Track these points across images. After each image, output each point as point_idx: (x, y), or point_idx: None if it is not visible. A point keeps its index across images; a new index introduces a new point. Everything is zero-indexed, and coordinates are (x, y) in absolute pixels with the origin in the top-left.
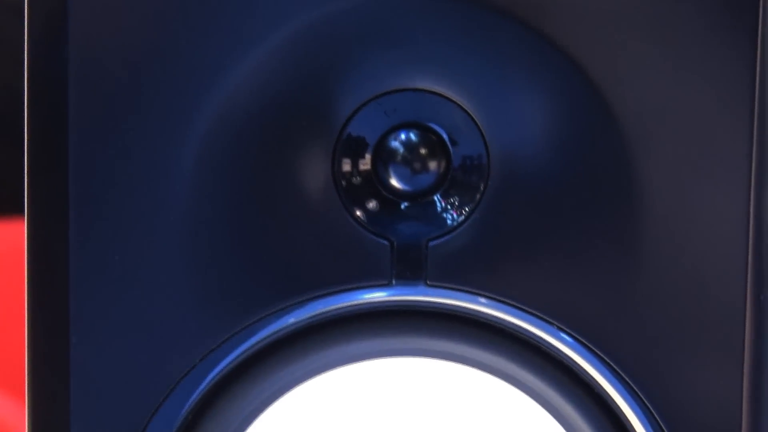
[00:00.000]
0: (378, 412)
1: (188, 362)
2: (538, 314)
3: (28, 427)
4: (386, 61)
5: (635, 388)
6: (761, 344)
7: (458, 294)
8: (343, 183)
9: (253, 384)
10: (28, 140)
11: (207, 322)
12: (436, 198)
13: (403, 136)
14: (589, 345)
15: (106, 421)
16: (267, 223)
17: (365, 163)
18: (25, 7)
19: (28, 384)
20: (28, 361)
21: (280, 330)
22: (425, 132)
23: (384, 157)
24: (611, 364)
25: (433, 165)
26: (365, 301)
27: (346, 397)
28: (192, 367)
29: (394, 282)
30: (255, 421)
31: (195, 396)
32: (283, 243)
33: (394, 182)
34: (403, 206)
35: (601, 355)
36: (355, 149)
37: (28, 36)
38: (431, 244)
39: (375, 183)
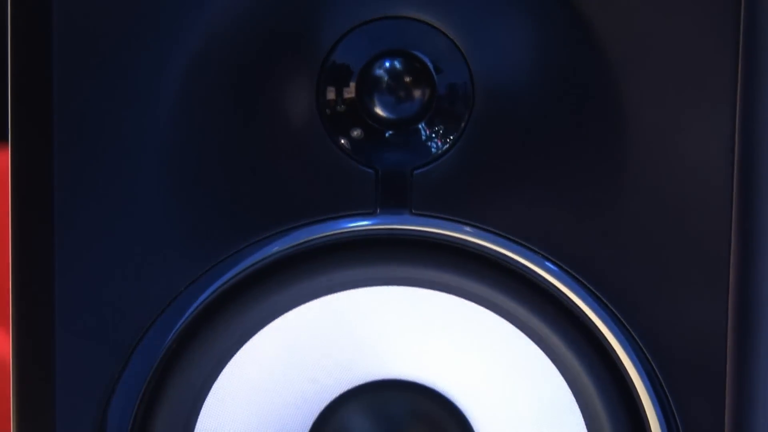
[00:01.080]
0: (363, 340)
1: (173, 291)
2: (523, 243)
3: (13, 357)
4: None
5: (620, 316)
6: (746, 272)
7: (443, 222)
8: (328, 111)
9: (238, 312)
10: (11, 67)
11: (191, 250)
12: (420, 126)
13: (387, 64)
14: (574, 274)
15: (90, 351)
16: (251, 152)
17: (349, 92)
18: None
19: (12, 314)
20: (13, 290)
21: (265, 258)
22: (410, 60)
23: (368, 85)
24: (596, 292)
25: (417, 93)
26: (350, 230)
27: (331, 326)
28: (176, 295)
29: (378, 210)
30: (240, 349)
31: (179, 324)
32: (267, 172)
33: (379, 110)
34: (387, 135)
35: (586, 284)
36: (340, 77)
37: None
38: (416, 172)
39: (359, 111)
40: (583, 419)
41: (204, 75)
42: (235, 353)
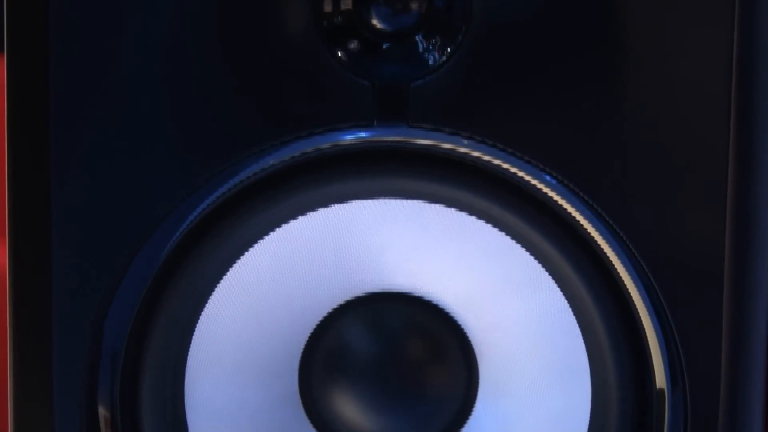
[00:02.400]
0: (360, 253)
1: (170, 204)
2: (521, 155)
3: (9, 269)
4: None
5: (617, 228)
6: (744, 182)
7: (440, 135)
8: (324, 24)
9: (236, 225)
10: None
11: (189, 163)
12: (417, 38)
13: None
14: (571, 186)
15: (87, 265)
16: (249, 64)
17: (346, 3)
18: None
19: (9, 228)
20: (9, 204)
21: (262, 171)
22: None
23: None
24: (593, 205)
25: (414, 4)
26: (347, 142)
27: (328, 239)
28: (173, 208)
29: (376, 123)
30: (237, 262)
31: (176, 237)
32: (264, 85)
33: (376, 22)
34: (384, 47)
35: (584, 196)
36: None
37: None
38: (413, 84)
39: (356, 23)
40: (580, 331)
41: None
42: (232, 265)
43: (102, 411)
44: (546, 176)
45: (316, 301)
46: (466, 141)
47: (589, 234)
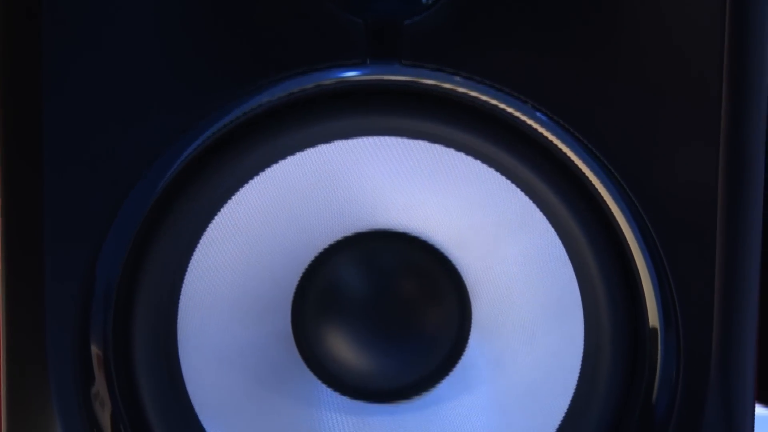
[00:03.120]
0: (353, 191)
1: (164, 141)
2: (514, 93)
3: (2, 207)
4: None
5: (610, 167)
6: (738, 122)
7: (433, 73)
8: None
9: (229, 162)
10: None
11: (182, 101)
12: None
13: None
14: (564, 124)
15: (81, 200)
16: (241, 3)
17: None
18: None
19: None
20: (1, 139)
21: (255, 109)
22: None
23: None
24: (587, 143)
25: None
26: (340, 80)
27: (322, 177)
28: (167, 145)
29: (368, 61)
30: (230, 199)
31: (170, 173)
32: (257, 23)
33: None
34: None
35: (577, 134)
36: None
37: None
38: (406, 22)
39: None
40: (573, 270)
41: None
42: (224, 204)
43: (95, 349)
44: (539, 114)
45: (309, 240)
46: (458, 79)
47: (583, 173)
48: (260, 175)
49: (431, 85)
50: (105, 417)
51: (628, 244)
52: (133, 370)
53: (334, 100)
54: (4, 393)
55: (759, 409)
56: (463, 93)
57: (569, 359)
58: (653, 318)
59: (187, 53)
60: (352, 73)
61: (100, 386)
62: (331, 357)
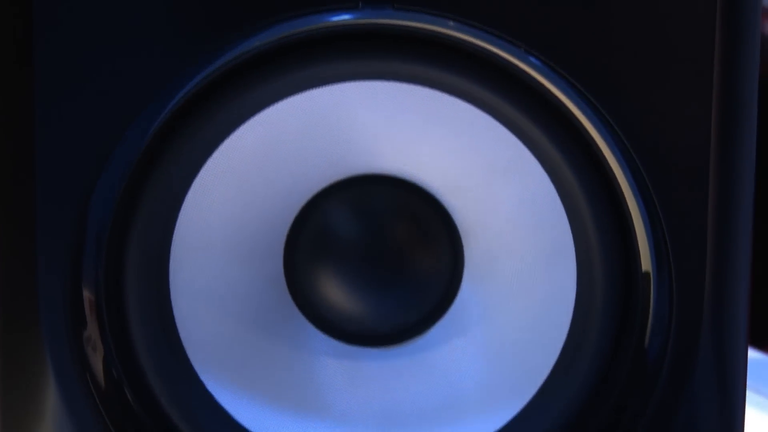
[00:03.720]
0: (346, 135)
1: (156, 85)
2: (507, 37)
3: None
4: None
5: (603, 111)
6: (730, 68)
7: (426, 17)
8: None
9: (222, 105)
10: None
11: (175, 45)
12: None
13: None
14: (558, 68)
15: (74, 141)
16: None
17: None
18: None
19: None
20: None
21: (247, 52)
22: None
23: None
24: (580, 88)
25: None
26: (333, 24)
27: (314, 121)
28: (160, 89)
29: (361, 5)
30: (223, 143)
31: (162, 117)
32: None
33: None
34: None
35: (570, 79)
36: None
37: None
38: None
39: None
40: (566, 215)
41: None
42: (217, 147)
43: (86, 294)
44: (532, 58)
45: (302, 184)
46: (451, 23)
47: (576, 117)
48: (252, 119)
49: (424, 29)
50: (97, 361)
51: (620, 189)
52: (125, 314)
53: (327, 44)
54: None
55: (752, 353)
56: (456, 37)
57: (562, 304)
58: (646, 262)
59: None
60: (344, 17)
61: (92, 331)
62: (323, 301)
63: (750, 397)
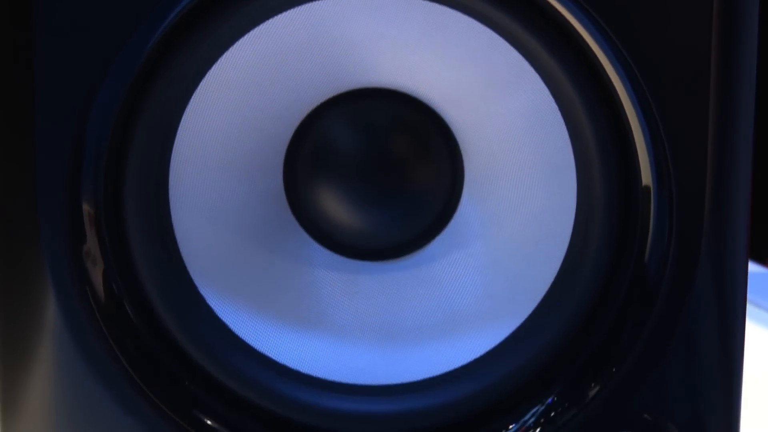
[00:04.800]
0: (344, 49)
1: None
2: None
3: None
4: None
5: (604, 24)
6: None
7: None
8: None
9: (219, 20)
10: None
11: None
12: None
13: None
14: None
15: (72, 57)
16: None
17: None
18: None
19: None
20: None
21: None
22: None
23: None
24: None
25: None
26: None
27: (313, 35)
28: (156, 2)
29: None
30: (220, 58)
31: (160, 31)
32: None
33: None
34: None
35: None
36: None
37: None
38: None
39: None
40: (566, 129)
41: None
42: (215, 62)
43: (86, 208)
44: None
45: (301, 97)
46: None
47: (576, 31)
48: (250, 33)
49: None
50: (97, 275)
51: (621, 103)
52: (124, 228)
53: None
54: None
55: (752, 266)
56: None
57: (561, 218)
58: (646, 176)
59: None
60: None
61: (91, 245)
62: (323, 215)
63: (750, 310)
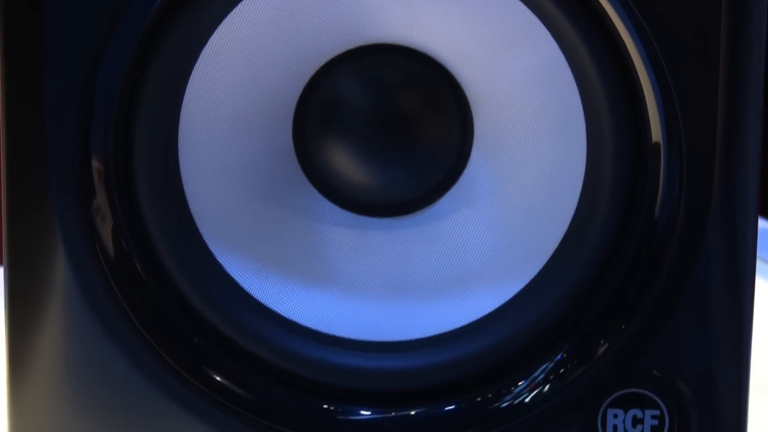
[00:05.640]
0: (354, 4)
1: None
2: None
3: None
4: None
5: None
6: None
7: None
8: None
9: None
10: None
11: None
12: None
13: None
14: None
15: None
16: None
17: None
18: None
19: None
20: None
21: None
22: None
23: None
24: None
25: None
26: None
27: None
28: None
29: None
30: (230, 14)
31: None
32: None
33: None
34: None
35: None
36: None
37: None
38: None
39: None
40: (576, 85)
41: None
42: (224, 17)
43: (95, 163)
44: None
45: (311, 53)
46: None
47: None
48: None
49: None
50: (106, 232)
51: (631, 58)
52: (134, 184)
53: None
54: (5, 210)
55: (761, 223)
56: None
57: (571, 175)
58: (656, 133)
59: None
60: None
61: (101, 201)
62: (333, 171)
63: (759, 267)
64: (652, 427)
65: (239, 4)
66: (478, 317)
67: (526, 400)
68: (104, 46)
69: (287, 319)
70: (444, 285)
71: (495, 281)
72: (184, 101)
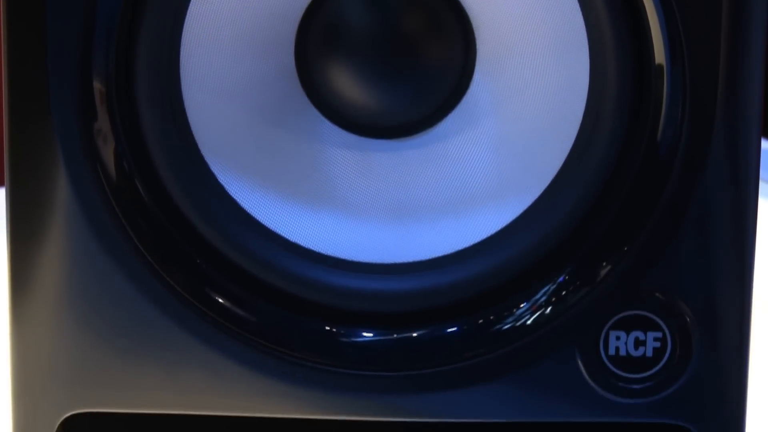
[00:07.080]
0: None
1: None
2: None
3: None
4: None
5: None
6: None
7: None
8: None
9: None
10: None
11: None
12: None
13: None
14: None
15: None
16: None
17: None
18: None
19: None
20: None
21: None
22: None
23: None
24: None
25: None
26: None
27: None
28: None
29: None
30: None
31: None
32: None
33: None
34: None
35: None
36: None
37: None
38: None
39: None
40: (579, 6)
41: None
42: None
43: (97, 84)
44: None
45: None
46: None
47: None
48: None
49: None
50: (108, 153)
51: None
52: (135, 105)
53: None
54: (7, 133)
55: (765, 144)
56: None
57: (574, 96)
58: (659, 55)
59: None
60: None
61: (102, 122)
62: (335, 92)
63: (762, 187)
64: (654, 349)
65: None
66: (481, 239)
67: (528, 322)
68: None
69: (289, 240)
70: (446, 206)
71: (498, 202)
72: (185, 22)
